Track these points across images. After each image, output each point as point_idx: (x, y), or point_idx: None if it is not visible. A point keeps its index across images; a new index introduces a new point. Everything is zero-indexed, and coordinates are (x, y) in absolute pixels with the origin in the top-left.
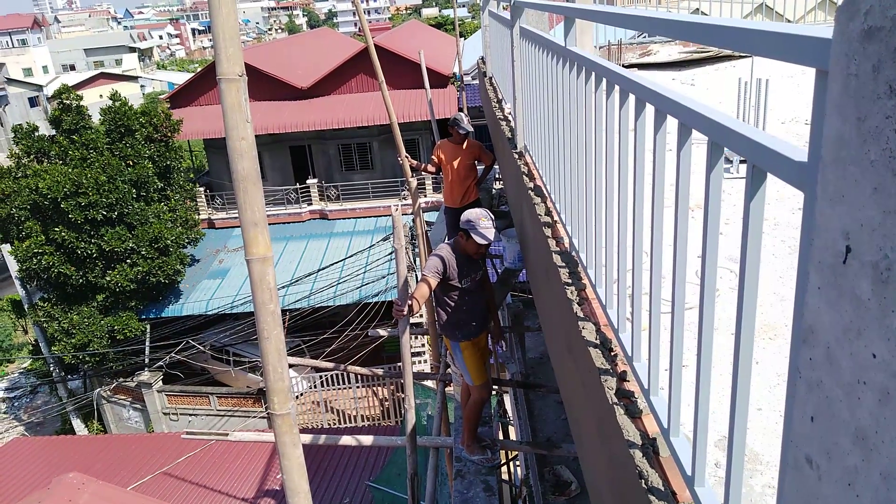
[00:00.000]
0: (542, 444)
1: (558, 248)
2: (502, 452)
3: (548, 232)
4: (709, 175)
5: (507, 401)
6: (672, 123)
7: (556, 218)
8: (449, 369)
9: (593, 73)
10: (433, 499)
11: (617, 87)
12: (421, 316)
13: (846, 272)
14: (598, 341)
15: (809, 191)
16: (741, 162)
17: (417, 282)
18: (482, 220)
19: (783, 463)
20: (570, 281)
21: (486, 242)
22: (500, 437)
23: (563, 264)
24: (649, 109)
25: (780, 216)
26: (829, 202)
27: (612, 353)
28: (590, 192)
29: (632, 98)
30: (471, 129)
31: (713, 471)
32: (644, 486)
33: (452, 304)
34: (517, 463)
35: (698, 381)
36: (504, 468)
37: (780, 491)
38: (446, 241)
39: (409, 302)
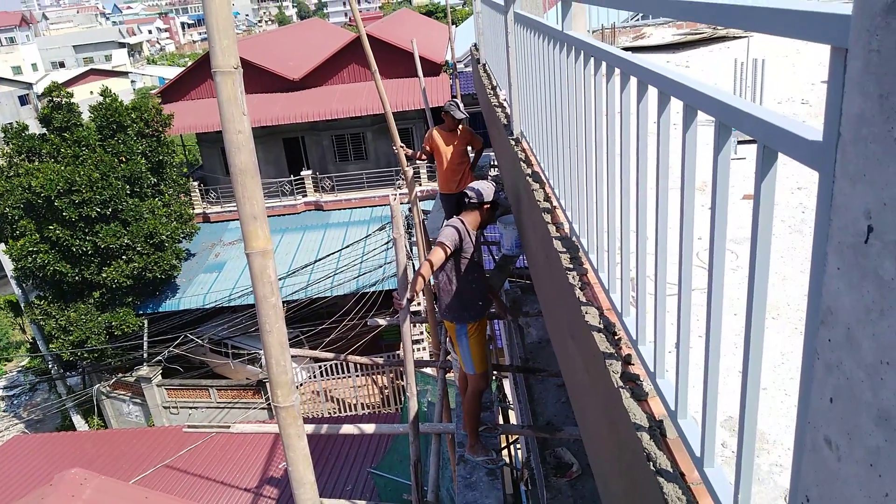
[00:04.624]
0: (543, 428)
1: (558, 234)
2: (503, 437)
3: (547, 217)
4: (716, 157)
5: (507, 385)
6: (676, 105)
7: (555, 203)
8: (449, 356)
9: (592, 57)
10: (436, 484)
11: (618, 70)
12: (419, 304)
13: (868, 252)
14: (601, 325)
15: (825, 171)
16: (738, 142)
17: (432, 247)
18: (500, 192)
19: (799, 444)
20: (571, 266)
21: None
22: (501, 421)
23: (564, 250)
24: (650, 95)
25: (778, 196)
26: (850, 181)
27: (616, 337)
28: (590, 176)
29: (633, 80)
30: (465, 115)
31: (720, 451)
32: (652, 467)
33: (462, 280)
34: (518, 446)
35: (707, 362)
36: (505, 451)
37: (795, 472)
38: (447, 222)
39: (420, 270)
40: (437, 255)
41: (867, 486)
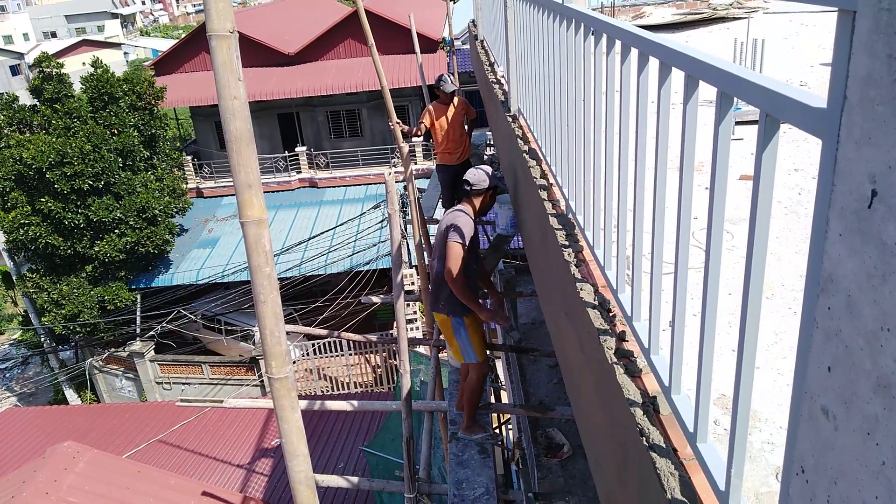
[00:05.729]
0: (535, 407)
1: (554, 211)
2: (494, 416)
3: (543, 195)
4: (718, 127)
5: (500, 365)
6: (678, 77)
7: (551, 181)
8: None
9: (592, 29)
10: (428, 462)
11: (618, 42)
12: (413, 283)
13: (871, 217)
14: (596, 302)
15: (829, 137)
16: (736, 123)
17: (449, 248)
18: (496, 173)
19: (794, 415)
20: (567, 243)
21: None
22: (493, 401)
23: (560, 227)
24: (651, 66)
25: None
26: (855, 145)
27: (611, 314)
28: (588, 153)
29: (634, 52)
30: (455, 87)
31: (712, 428)
32: (645, 443)
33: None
34: (510, 426)
35: (702, 338)
36: (497, 431)
37: (790, 443)
38: (453, 205)
39: (463, 294)
40: (458, 260)
41: (864, 455)
